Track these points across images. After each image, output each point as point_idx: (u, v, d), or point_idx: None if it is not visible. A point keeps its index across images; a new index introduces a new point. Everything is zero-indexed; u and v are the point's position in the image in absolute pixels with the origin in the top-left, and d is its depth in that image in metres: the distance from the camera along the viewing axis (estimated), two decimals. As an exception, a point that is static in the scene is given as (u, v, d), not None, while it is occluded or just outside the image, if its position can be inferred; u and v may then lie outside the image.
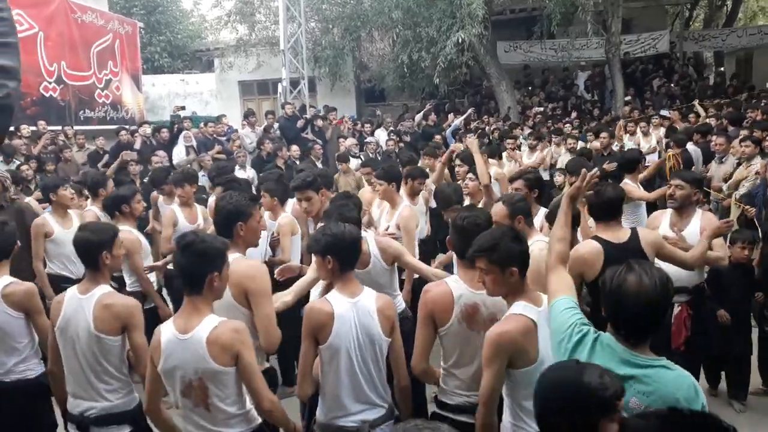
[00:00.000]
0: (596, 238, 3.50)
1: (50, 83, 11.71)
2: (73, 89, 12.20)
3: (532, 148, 9.73)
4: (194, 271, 2.48)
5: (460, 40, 12.79)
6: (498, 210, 3.28)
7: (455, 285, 2.78)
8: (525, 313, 2.40)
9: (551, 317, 2.25)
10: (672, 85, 16.04)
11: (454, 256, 3.04)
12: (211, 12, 20.79)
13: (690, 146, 8.25)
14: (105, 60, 13.18)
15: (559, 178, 7.91)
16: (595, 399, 1.63)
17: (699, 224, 3.98)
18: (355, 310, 2.69)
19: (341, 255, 2.73)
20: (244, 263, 2.97)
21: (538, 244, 3.10)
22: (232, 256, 2.85)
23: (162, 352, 2.47)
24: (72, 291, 3.00)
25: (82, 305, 2.90)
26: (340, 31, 15.91)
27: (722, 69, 19.75)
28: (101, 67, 13.02)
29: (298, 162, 9.83)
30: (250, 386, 2.49)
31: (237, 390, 2.50)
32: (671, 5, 20.62)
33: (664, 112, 11.61)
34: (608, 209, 3.56)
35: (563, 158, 8.89)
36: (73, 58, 12.19)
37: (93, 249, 2.97)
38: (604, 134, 8.85)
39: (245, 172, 8.92)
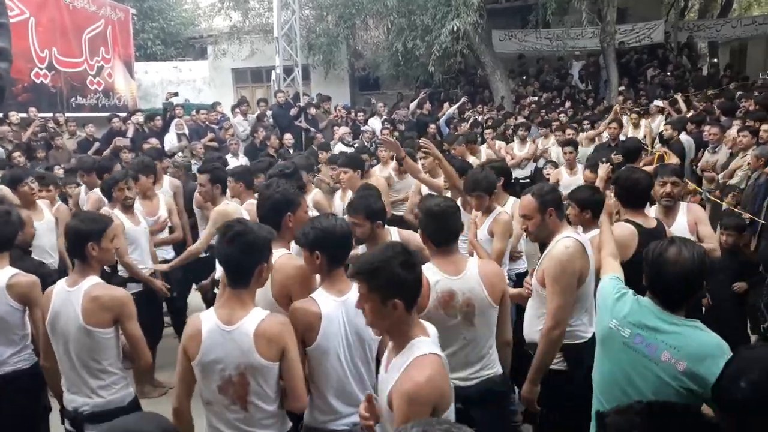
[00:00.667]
0: (628, 221, 3.56)
1: (41, 69, 11.60)
2: (65, 76, 12.10)
3: (522, 140, 9.58)
4: (242, 263, 2.38)
5: (455, 29, 12.73)
6: (526, 203, 3.15)
7: (431, 272, 2.73)
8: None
9: (600, 288, 2.51)
10: (666, 75, 16.02)
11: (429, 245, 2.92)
12: (204, -1, 20.52)
13: (683, 136, 8.28)
14: (97, 46, 13.06)
15: (549, 171, 7.81)
16: None
17: (686, 218, 3.94)
18: (343, 309, 2.58)
19: (330, 250, 2.63)
20: (292, 263, 2.84)
21: (563, 241, 3.03)
22: (278, 252, 2.76)
23: (202, 344, 2.34)
24: (60, 284, 2.93)
25: (70, 298, 2.83)
26: (334, 18, 15.79)
27: (716, 60, 19.74)
28: (93, 54, 12.90)
29: (291, 150, 9.80)
30: (291, 383, 2.39)
31: (277, 388, 2.41)
32: (667, -6, 20.59)
33: (657, 102, 11.60)
34: (641, 196, 3.65)
35: (554, 150, 8.76)
36: (64, 44, 12.07)
37: (79, 239, 2.90)
38: (614, 124, 8.44)
39: (238, 161, 8.88)
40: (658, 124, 9.87)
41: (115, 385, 2.87)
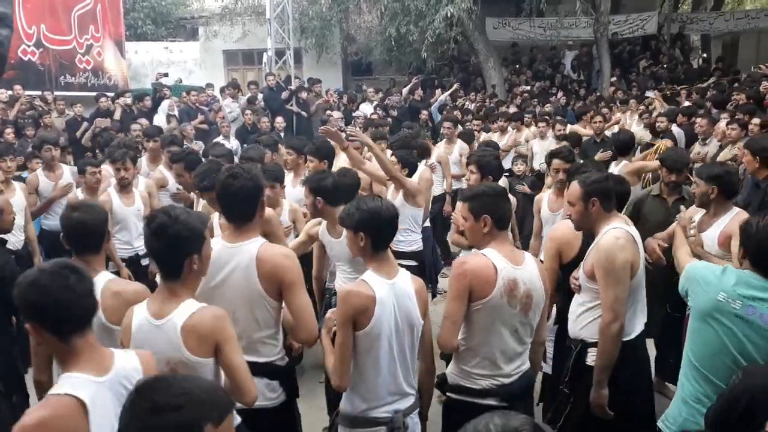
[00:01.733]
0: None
1: (29, 47, 11.45)
2: (53, 53, 11.94)
3: (503, 131, 9.26)
4: (168, 256, 2.26)
5: (448, 15, 12.68)
6: (572, 189, 3.07)
7: (497, 258, 2.63)
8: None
9: (690, 276, 2.61)
10: (658, 67, 16.06)
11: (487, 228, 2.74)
12: (195, -21, 20.27)
13: (675, 128, 8.30)
14: (86, 24, 12.88)
15: (519, 167, 7.47)
16: None
17: (720, 228, 3.67)
18: (393, 293, 2.51)
19: (376, 232, 2.55)
20: (276, 251, 2.69)
21: (613, 232, 2.95)
22: (257, 243, 2.66)
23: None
24: (142, 313, 2.62)
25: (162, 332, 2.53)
26: (327, 1, 15.67)
27: (705, 55, 19.80)
28: (82, 32, 12.73)
29: (282, 134, 9.75)
30: (232, 381, 2.26)
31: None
32: (661, -14, 20.58)
33: (649, 93, 11.65)
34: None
35: (538, 145, 8.56)
36: (53, 22, 11.90)
37: (91, 231, 2.69)
38: (598, 118, 8.24)
39: (229, 143, 8.83)
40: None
41: None
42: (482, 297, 2.60)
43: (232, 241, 2.67)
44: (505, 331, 2.65)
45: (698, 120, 7.70)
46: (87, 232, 2.68)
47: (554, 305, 3.59)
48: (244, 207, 2.69)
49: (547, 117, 9.17)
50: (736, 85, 11.98)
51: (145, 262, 5.14)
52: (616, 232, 2.94)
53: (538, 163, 8.01)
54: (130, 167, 5.08)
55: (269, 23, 13.67)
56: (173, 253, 2.24)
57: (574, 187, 3.06)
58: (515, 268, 2.63)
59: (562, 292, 3.44)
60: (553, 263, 3.49)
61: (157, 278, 3.48)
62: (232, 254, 2.63)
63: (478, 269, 2.61)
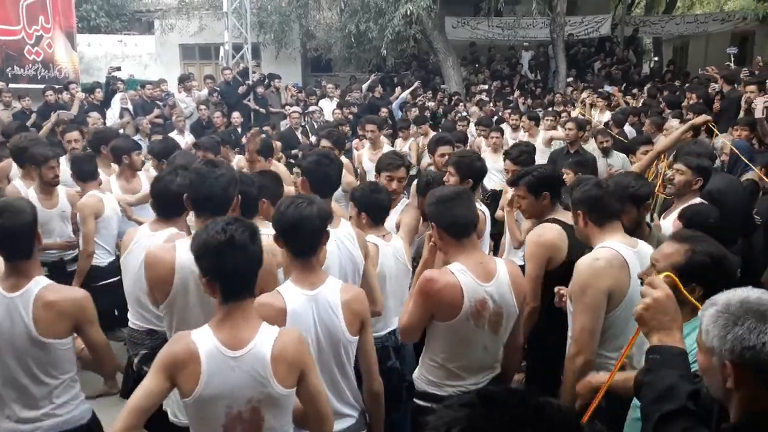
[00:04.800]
0: (555, 220, 3.24)
1: (-27, 37, 11.03)
2: (0, 44, 11.51)
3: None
4: (244, 272, 1.98)
5: (408, 12, 12.72)
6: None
7: (463, 275, 2.43)
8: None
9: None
10: (612, 68, 16.45)
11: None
12: (152, -29, 19.86)
13: (627, 127, 8.52)
14: (35, 15, 12.45)
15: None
16: None
17: (679, 214, 3.68)
18: (314, 305, 2.26)
19: (294, 239, 2.31)
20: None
21: (597, 251, 2.59)
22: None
23: (203, 374, 1.88)
24: None
25: (15, 305, 2.36)
26: (286, -4, 15.56)
27: (656, 58, 20.40)
28: (31, 23, 12.30)
29: (239, 129, 9.62)
30: (317, 409, 2.04)
31: (290, 417, 2.05)
32: (615, -10, 21.08)
33: (607, 88, 11.92)
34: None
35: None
36: (0, 11, 11.48)
37: (25, 232, 2.42)
38: (570, 125, 6.88)
39: (183, 138, 8.68)
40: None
41: (73, 401, 2.51)
42: (447, 319, 2.44)
43: None
44: (473, 348, 2.51)
45: (647, 120, 7.93)
46: (14, 238, 2.41)
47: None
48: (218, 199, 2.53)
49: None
50: (686, 85, 12.37)
51: (72, 267, 4.68)
52: (600, 251, 2.58)
53: None
54: (56, 165, 4.58)
55: (226, 17, 13.48)
56: (251, 268, 2.01)
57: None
58: (484, 285, 2.45)
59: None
60: (539, 271, 3.10)
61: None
62: None
63: (444, 292, 2.41)
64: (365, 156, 6.35)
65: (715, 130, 4.95)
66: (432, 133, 8.36)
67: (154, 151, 5.63)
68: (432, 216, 2.57)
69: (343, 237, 2.87)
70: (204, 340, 1.92)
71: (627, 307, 2.49)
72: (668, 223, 3.79)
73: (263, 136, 5.25)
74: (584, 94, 10.24)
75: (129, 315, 3.30)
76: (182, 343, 1.92)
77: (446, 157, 4.40)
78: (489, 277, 2.48)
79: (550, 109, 9.66)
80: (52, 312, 2.38)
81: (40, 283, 2.43)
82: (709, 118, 4.79)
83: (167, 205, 3.08)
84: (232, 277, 1.94)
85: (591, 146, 7.06)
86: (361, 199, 3.28)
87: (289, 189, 3.76)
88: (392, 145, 8.23)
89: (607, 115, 10.03)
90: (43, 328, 2.37)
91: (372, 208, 3.24)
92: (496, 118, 9.92)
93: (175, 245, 2.51)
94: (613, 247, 2.57)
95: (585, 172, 4.21)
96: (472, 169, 3.82)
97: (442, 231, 2.52)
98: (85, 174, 4.57)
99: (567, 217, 3.14)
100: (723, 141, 5.82)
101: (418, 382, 2.64)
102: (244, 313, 1.97)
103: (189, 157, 4.77)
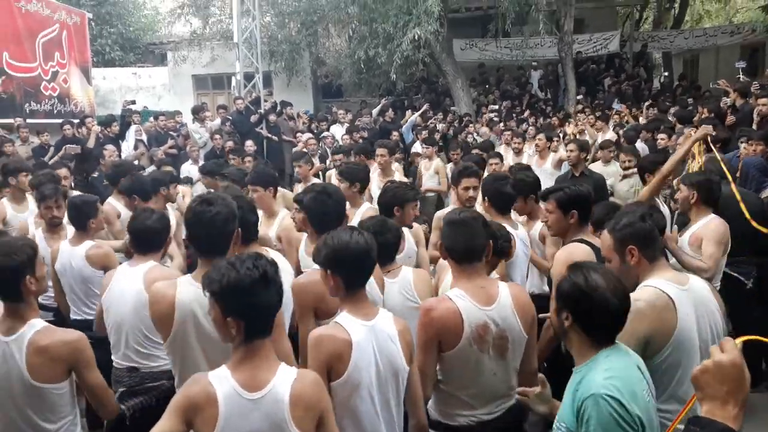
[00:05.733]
0: (582, 241, 3.27)
1: (-7, 75, 11.26)
2: (18, 81, 11.76)
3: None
4: (272, 308, 1.95)
5: (416, 37, 12.83)
6: (603, 240, 2.61)
7: (461, 301, 2.42)
8: None
9: None
10: (623, 84, 16.45)
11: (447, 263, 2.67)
12: (164, 4, 20.27)
13: (638, 143, 8.48)
14: (51, 51, 12.72)
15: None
16: None
17: (693, 231, 3.83)
18: (374, 336, 2.25)
19: (346, 270, 2.27)
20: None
21: (641, 291, 2.36)
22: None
23: (220, 418, 1.83)
24: None
25: (9, 350, 2.33)
26: (296, 25, 15.78)
27: (666, 74, 20.37)
28: (47, 59, 12.57)
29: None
30: None
31: None
32: (622, 6, 21.16)
33: (615, 106, 11.91)
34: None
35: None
36: (17, 49, 11.73)
37: (11, 275, 2.36)
38: (571, 146, 6.67)
39: (197, 167, 8.76)
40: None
41: None
42: (450, 348, 2.41)
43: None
44: (481, 375, 2.47)
45: (660, 135, 7.90)
46: (2, 279, 2.38)
47: None
48: (216, 237, 2.46)
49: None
50: (691, 100, 12.34)
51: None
52: (642, 292, 2.34)
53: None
54: (62, 204, 4.42)
55: (237, 48, 13.67)
56: (275, 304, 2.01)
57: (605, 237, 2.52)
58: (484, 309, 2.42)
59: None
60: None
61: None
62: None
63: (444, 318, 2.39)
64: (374, 182, 6.16)
65: (712, 146, 4.81)
66: (436, 159, 8.40)
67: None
68: (442, 236, 2.60)
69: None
70: (222, 381, 1.87)
71: (676, 351, 2.31)
72: (684, 238, 3.87)
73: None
74: (581, 116, 10.11)
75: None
76: (199, 386, 1.87)
77: (471, 191, 4.08)
78: (490, 300, 2.45)
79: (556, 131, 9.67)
80: (45, 357, 2.32)
81: (34, 326, 2.38)
82: (709, 128, 4.73)
83: (144, 241, 3.21)
84: (259, 315, 1.91)
85: (614, 167, 6.90)
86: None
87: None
88: (405, 170, 8.30)
89: (610, 134, 9.94)
90: (37, 374, 2.31)
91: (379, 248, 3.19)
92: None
93: (176, 282, 2.47)
94: (658, 286, 2.35)
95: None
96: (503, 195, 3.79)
97: (445, 252, 2.56)
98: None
99: (594, 239, 3.18)
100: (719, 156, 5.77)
101: (431, 411, 2.59)
102: (264, 354, 1.93)
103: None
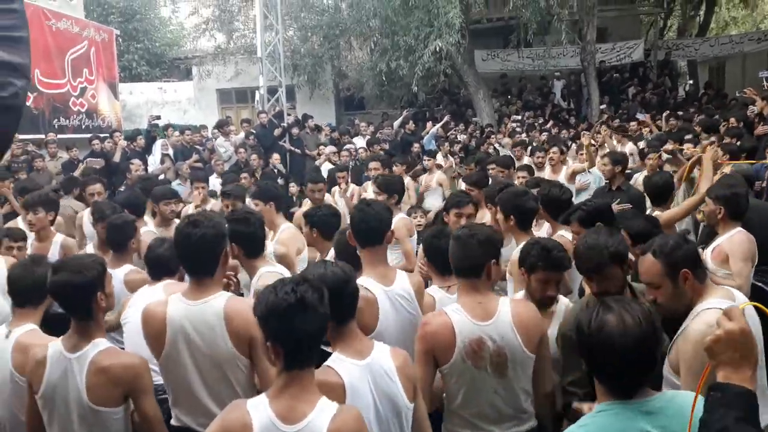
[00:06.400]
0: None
1: (24, 91, 11.54)
2: (47, 97, 12.05)
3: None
4: (312, 336, 1.84)
5: (437, 49, 12.86)
6: (648, 266, 2.40)
7: (456, 315, 2.41)
8: None
9: None
10: (647, 93, 16.28)
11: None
12: (189, 20, 20.61)
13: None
14: (80, 68, 13.03)
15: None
16: None
17: (717, 244, 3.76)
18: (369, 375, 2.10)
19: (331, 307, 2.09)
20: (247, 305, 2.34)
21: (707, 315, 2.24)
22: (226, 295, 2.48)
23: None
24: (56, 347, 2.38)
25: (72, 367, 2.31)
26: (318, 39, 15.94)
27: (691, 82, 20.12)
28: (76, 75, 12.87)
29: (275, 170, 9.81)
30: None
31: None
32: (646, 15, 20.98)
33: (639, 116, 11.78)
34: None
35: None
36: (47, 66, 12.04)
37: (81, 292, 2.33)
38: (605, 160, 6.04)
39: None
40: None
41: None
42: (444, 362, 2.39)
43: (194, 298, 2.46)
44: (481, 394, 2.41)
45: (687, 145, 7.78)
46: (67, 296, 2.40)
47: None
48: (203, 258, 2.47)
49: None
50: (719, 110, 12.15)
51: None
52: (710, 315, 2.20)
53: None
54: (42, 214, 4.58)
55: (261, 62, 13.85)
56: (320, 330, 1.92)
57: (650, 263, 2.37)
58: (480, 324, 2.38)
59: None
60: None
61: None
62: (194, 312, 2.42)
63: (438, 332, 2.39)
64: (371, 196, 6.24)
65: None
66: (437, 172, 8.26)
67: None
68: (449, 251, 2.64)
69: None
70: (259, 411, 1.81)
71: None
72: (707, 252, 3.83)
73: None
74: (602, 128, 9.85)
75: None
76: (236, 414, 1.82)
77: (463, 219, 3.98)
78: (487, 316, 2.41)
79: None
80: (104, 378, 2.29)
81: (98, 346, 2.36)
82: (717, 151, 4.63)
83: (159, 268, 3.28)
84: (298, 342, 1.83)
85: None
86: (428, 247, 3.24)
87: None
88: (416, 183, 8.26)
89: (629, 146, 9.68)
90: (95, 395, 2.29)
91: None
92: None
93: (167, 300, 2.49)
94: (719, 306, 2.21)
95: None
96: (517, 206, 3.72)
97: (431, 264, 2.74)
98: None
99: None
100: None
101: None
102: (304, 384, 1.84)
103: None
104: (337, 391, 2.01)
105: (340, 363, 2.10)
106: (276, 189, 4.75)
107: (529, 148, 8.82)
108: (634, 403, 1.69)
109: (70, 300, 2.37)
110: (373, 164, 6.56)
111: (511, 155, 8.48)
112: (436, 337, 2.39)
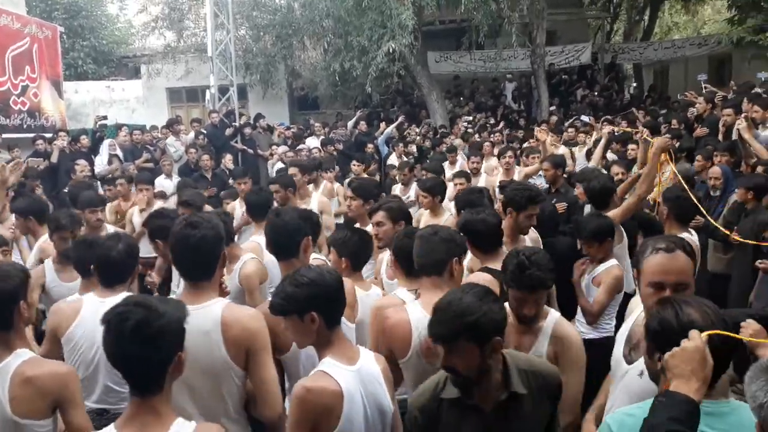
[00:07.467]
0: (486, 269, 3.10)
1: (-40, 89, 11.09)
2: (-14, 95, 11.60)
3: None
4: (142, 361, 1.73)
5: (390, 50, 12.91)
6: (683, 264, 2.12)
7: (415, 310, 2.42)
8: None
9: None
10: (595, 95, 16.71)
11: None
12: (137, 18, 20.15)
13: (609, 154, 8.60)
14: (21, 65, 12.56)
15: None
16: None
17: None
18: (360, 381, 2.08)
19: (327, 307, 2.10)
20: (246, 312, 2.33)
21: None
22: (224, 302, 2.37)
23: None
24: None
25: None
26: (271, 38, 15.78)
27: (635, 84, 20.78)
28: (17, 73, 12.40)
29: (227, 171, 9.67)
30: None
31: None
32: (593, 19, 21.54)
33: (584, 118, 12.07)
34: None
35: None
36: (-15, 63, 11.59)
37: (3, 301, 2.24)
38: (546, 165, 6.18)
39: (171, 182, 8.70)
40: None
41: None
42: (401, 356, 2.41)
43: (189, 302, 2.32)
44: None
45: (631, 146, 8.03)
46: None
47: None
48: (202, 261, 2.36)
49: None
50: (664, 111, 12.57)
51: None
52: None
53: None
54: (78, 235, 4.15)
55: (211, 61, 13.64)
56: None
57: (685, 260, 2.13)
58: None
59: None
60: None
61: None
62: (191, 319, 2.29)
63: (395, 326, 2.42)
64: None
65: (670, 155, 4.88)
66: (363, 175, 8.12)
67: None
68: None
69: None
70: None
71: None
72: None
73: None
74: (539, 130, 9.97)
75: None
76: None
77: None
78: None
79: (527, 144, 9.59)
80: (30, 389, 2.16)
81: (20, 356, 2.23)
82: (666, 139, 4.75)
83: (111, 273, 2.93)
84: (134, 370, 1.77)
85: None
86: (343, 246, 3.14)
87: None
88: (380, 183, 8.26)
89: (562, 149, 9.67)
90: (19, 407, 2.15)
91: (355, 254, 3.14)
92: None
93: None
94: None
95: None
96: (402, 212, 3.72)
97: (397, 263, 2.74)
98: None
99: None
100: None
101: None
102: (157, 410, 1.76)
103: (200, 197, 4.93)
104: (336, 399, 1.99)
105: (335, 369, 2.06)
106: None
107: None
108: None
109: None
110: (292, 170, 6.34)
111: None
112: (393, 332, 2.42)
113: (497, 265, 2.95)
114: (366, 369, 2.13)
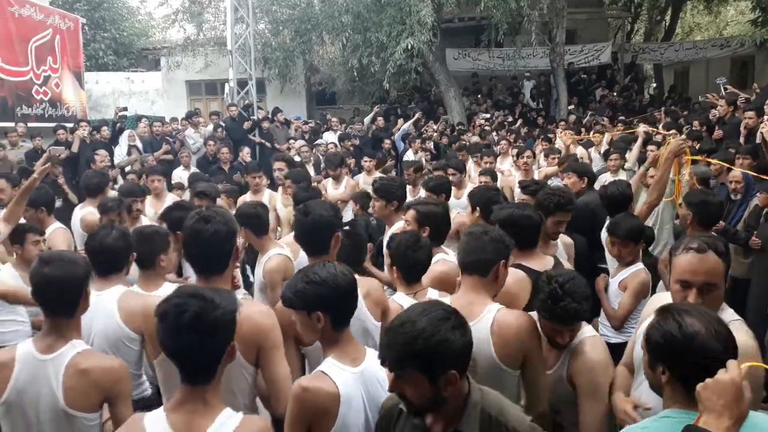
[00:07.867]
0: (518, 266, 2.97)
1: (-16, 79, 11.26)
2: (9, 85, 11.75)
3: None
4: (200, 353, 1.77)
5: (409, 47, 12.89)
6: (713, 264, 2.14)
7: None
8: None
9: None
10: (614, 95, 16.58)
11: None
12: (158, 10, 20.29)
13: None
14: (44, 56, 12.73)
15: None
16: None
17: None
18: (362, 383, 2.04)
19: (335, 309, 2.06)
20: (257, 309, 2.29)
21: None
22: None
23: None
24: (26, 348, 2.20)
25: (45, 370, 2.15)
26: (290, 33, 15.82)
27: (654, 85, 20.57)
28: (40, 63, 12.57)
29: (244, 164, 9.71)
30: None
31: None
32: (614, 18, 21.36)
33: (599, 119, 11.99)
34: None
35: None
36: (9, 53, 11.73)
37: (68, 288, 2.19)
38: (571, 175, 5.40)
39: (189, 173, 8.77)
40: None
41: None
42: None
43: None
44: None
45: (650, 147, 7.95)
46: (52, 292, 2.20)
47: None
48: (215, 255, 2.31)
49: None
50: (685, 113, 12.44)
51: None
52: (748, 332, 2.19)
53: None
54: (126, 219, 4.27)
55: (231, 54, 13.70)
56: None
57: (713, 261, 2.15)
58: None
59: None
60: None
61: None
62: None
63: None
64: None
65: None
66: (376, 173, 7.78)
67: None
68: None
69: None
70: (157, 425, 1.74)
71: None
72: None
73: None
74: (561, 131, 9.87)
75: None
76: (133, 430, 1.76)
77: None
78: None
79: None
80: (84, 381, 2.14)
81: (76, 347, 2.21)
82: (680, 142, 4.61)
83: (104, 262, 2.87)
84: (184, 358, 1.78)
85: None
86: (396, 254, 2.98)
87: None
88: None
89: (580, 150, 9.53)
90: (72, 399, 2.13)
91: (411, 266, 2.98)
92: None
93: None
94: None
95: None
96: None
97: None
98: None
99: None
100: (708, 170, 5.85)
101: None
102: (206, 398, 1.77)
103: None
104: (332, 400, 1.97)
105: (335, 370, 2.03)
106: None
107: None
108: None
109: (57, 296, 2.21)
110: (278, 164, 6.25)
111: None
112: None
113: (531, 264, 2.90)
114: (370, 371, 2.08)
